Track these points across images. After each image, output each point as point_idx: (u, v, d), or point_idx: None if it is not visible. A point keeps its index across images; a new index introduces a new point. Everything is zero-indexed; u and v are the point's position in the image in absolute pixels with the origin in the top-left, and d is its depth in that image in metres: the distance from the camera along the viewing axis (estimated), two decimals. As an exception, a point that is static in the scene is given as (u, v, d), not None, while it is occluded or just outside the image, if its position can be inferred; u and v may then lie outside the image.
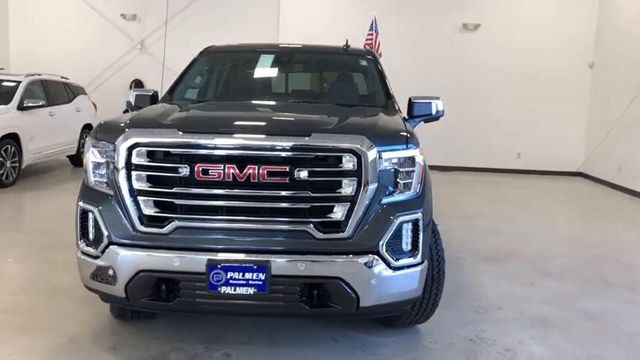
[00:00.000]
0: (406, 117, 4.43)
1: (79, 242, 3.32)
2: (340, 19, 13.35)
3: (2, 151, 8.82)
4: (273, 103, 4.62)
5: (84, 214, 3.29)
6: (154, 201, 3.13)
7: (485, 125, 13.41)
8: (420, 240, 3.24)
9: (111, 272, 3.16)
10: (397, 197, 3.23)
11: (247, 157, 3.05)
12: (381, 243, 3.10)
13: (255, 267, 3.01)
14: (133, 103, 4.55)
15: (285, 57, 5.07)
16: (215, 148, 3.07)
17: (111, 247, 3.14)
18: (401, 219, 3.15)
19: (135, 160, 3.11)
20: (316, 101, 4.48)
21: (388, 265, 3.13)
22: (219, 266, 3.01)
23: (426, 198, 3.37)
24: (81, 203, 3.31)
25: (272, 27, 13.81)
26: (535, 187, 11.50)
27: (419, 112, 4.56)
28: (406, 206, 3.22)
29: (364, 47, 6.32)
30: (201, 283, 3.04)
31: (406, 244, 3.22)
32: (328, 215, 3.10)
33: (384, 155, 3.16)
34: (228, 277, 3.02)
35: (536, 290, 4.92)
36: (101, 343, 3.59)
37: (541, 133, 13.26)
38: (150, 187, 3.12)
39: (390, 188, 3.21)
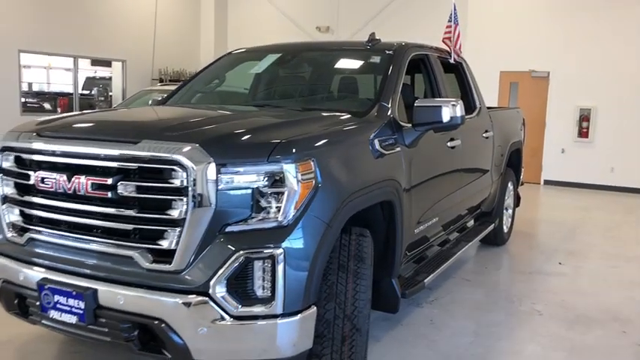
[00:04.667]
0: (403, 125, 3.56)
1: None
2: (534, 20, 11.77)
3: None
4: (225, 106, 4.07)
5: None
6: (18, 209, 2.95)
7: None
8: (279, 284, 2.45)
9: (-11, 277, 3.08)
10: (252, 225, 2.50)
11: (74, 165, 2.66)
12: (212, 283, 2.42)
13: (74, 293, 2.61)
14: None
15: (289, 57, 4.45)
16: (48, 154, 2.75)
17: (-12, 251, 3.05)
18: (246, 254, 2.42)
19: (3, 164, 2.97)
20: (282, 105, 3.81)
21: (225, 311, 2.43)
22: (46, 287, 2.68)
23: (309, 228, 2.54)
24: None
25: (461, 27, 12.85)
26: None
27: (422, 120, 3.61)
28: (261, 238, 2.48)
29: (442, 41, 5.23)
30: (38, 302, 2.76)
31: (260, 287, 2.47)
32: (157, 242, 2.53)
33: (230, 170, 2.47)
34: (55, 300, 2.67)
35: (593, 375, 3.45)
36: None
37: None
38: (12, 193, 2.94)
39: (245, 213, 2.50)
